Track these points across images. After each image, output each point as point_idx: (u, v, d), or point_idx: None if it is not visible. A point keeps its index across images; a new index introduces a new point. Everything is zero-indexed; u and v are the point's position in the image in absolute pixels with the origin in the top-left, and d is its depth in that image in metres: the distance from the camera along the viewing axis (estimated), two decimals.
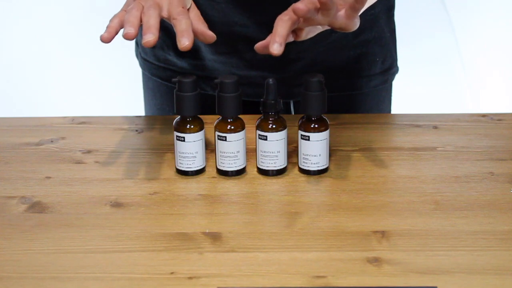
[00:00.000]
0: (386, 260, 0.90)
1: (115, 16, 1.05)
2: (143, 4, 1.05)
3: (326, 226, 0.97)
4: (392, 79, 1.41)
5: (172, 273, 0.88)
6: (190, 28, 1.03)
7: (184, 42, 1.02)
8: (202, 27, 1.08)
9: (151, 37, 1.01)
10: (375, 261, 0.90)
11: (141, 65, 1.43)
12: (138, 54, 1.43)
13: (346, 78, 1.35)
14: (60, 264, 0.90)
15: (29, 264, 0.90)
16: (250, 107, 1.24)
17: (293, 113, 1.37)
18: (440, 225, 0.97)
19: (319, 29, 1.10)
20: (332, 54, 1.32)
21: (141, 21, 1.04)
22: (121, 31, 1.03)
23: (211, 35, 1.08)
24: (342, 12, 1.04)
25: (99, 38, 1.02)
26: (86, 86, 2.54)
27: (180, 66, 1.34)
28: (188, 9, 1.08)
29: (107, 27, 1.03)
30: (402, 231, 0.96)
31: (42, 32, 2.48)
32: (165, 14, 1.06)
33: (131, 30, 1.02)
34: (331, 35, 1.30)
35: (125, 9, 1.06)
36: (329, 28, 1.30)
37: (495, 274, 0.87)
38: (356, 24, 1.06)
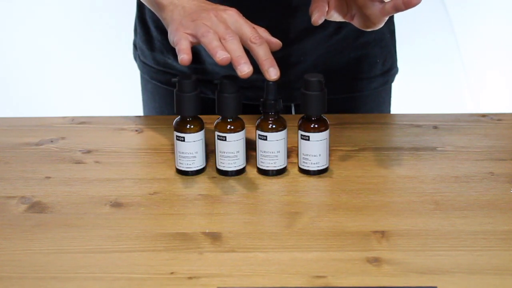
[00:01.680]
0: (386, 260, 0.90)
1: (180, 39, 1.03)
2: (208, 24, 1.03)
3: (326, 226, 0.97)
4: (392, 80, 1.41)
5: (172, 273, 0.88)
6: (270, 53, 1.03)
7: (273, 73, 1.02)
8: (267, 35, 1.07)
9: (247, 67, 1.00)
10: (375, 261, 0.90)
11: (140, 68, 1.42)
12: (137, 57, 1.43)
13: (347, 80, 1.35)
14: (60, 264, 0.90)
15: (29, 264, 0.90)
16: (251, 110, 1.23)
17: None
18: (440, 225, 0.97)
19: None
20: (333, 57, 1.32)
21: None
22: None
23: (277, 43, 1.06)
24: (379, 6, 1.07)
25: (179, 61, 1.01)
26: (86, 87, 2.54)
27: (180, 69, 1.34)
28: None
29: (180, 49, 1.02)
30: (402, 231, 0.96)
31: (42, 32, 2.48)
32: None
33: (226, 54, 1.00)
34: (332, 38, 1.30)
35: (183, 31, 1.04)
36: (330, 30, 1.30)
37: (495, 274, 0.88)
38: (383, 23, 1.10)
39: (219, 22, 1.04)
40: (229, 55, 1.01)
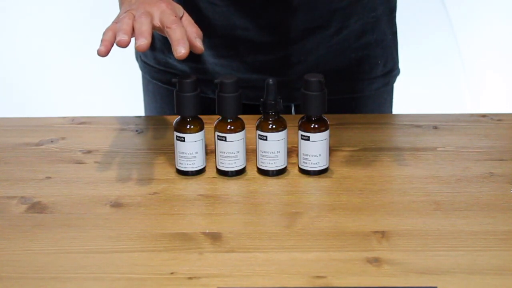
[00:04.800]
0: (386, 260, 0.90)
1: (107, 29, 1.05)
2: (134, 13, 1.06)
3: (326, 226, 0.97)
4: (394, 81, 1.41)
5: (172, 273, 0.88)
6: (185, 36, 1.04)
7: (180, 50, 1.02)
8: (192, 37, 1.08)
9: (143, 41, 1.02)
10: (375, 261, 0.90)
11: (141, 68, 1.42)
12: (138, 57, 1.43)
13: (348, 81, 1.35)
14: (60, 264, 0.90)
15: (29, 264, 0.90)
16: (251, 111, 1.23)
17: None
18: (440, 225, 0.97)
19: None
20: (334, 57, 1.32)
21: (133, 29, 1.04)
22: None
23: (198, 48, 1.07)
24: None
25: (96, 52, 1.02)
26: (86, 87, 2.54)
27: (181, 69, 1.34)
28: (181, 18, 1.08)
29: (101, 40, 1.04)
30: (402, 231, 0.96)
31: (42, 32, 2.47)
32: (156, 23, 1.06)
33: (124, 37, 1.02)
34: (333, 38, 1.30)
35: (116, 21, 1.07)
36: (331, 30, 1.30)
37: (495, 274, 0.88)
38: None
39: (143, 10, 1.06)
40: (127, 38, 1.02)
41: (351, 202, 1.03)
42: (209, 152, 1.13)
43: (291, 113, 1.37)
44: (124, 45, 1.02)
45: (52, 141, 1.21)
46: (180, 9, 1.09)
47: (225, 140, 1.07)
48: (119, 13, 1.10)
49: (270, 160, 1.08)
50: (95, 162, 1.15)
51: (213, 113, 1.09)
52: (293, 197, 1.05)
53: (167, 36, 1.05)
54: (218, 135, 1.08)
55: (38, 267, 0.90)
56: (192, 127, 1.08)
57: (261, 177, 1.09)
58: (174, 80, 1.07)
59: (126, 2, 1.10)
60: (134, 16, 1.05)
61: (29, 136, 1.23)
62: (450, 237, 0.95)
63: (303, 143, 1.08)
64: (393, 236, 0.95)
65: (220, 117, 1.08)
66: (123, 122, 1.27)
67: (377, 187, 1.07)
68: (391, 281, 0.87)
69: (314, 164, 1.09)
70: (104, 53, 1.03)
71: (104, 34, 1.05)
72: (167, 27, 1.05)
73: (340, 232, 0.96)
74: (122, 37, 1.02)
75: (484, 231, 0.96)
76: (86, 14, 2.46)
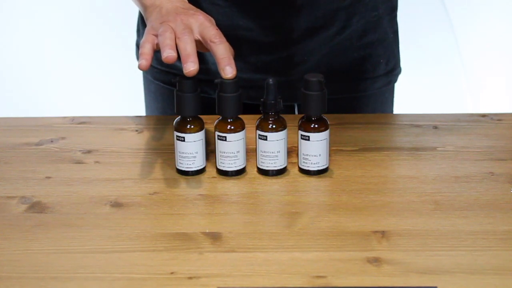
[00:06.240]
0: (386, 260, 0.90)
1: (144, 41, 1.05)
2: (172, 26, 1.06)
3: (326, 226, 0.97)
4: (395, 80, 1.41)
5: (172, 273, 0.88)
6: (229, 52, 1.04)
7: (230, 71, 1.03)
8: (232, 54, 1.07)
9: (193, 66, 1.02)
10: (375, 261, 0.90)
11: None
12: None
13: (351, 80, 1.35)
14: (60, 264, 0.90)
15: (29, 264, 0.90)
16: (253, 110, 1.23)
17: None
18: (440, 225, 0.97)
19: None
20: (336, 57, 1.32)
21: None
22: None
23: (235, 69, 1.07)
24: None
25: (137, 67, 1.03)
26: (86, 86, 2.54)
27: (182, 69, 1.34)
28: None
29: (141, 54, 1.04)
30: (402, 231, 0.96)
31: (42, 32, 2.48)
32: (196, 36, 1.06)
33: (172, 53, 1.03)
34: (336, 38, 1.30)
35: (152, 33, 1.07)
36: (333, 30, 1.30)
37: (495, 274, 0.87)
38: None
39: (181, 23, 1.06)
40: (175, 54, 1.03)
41: (351, 202, 1.03)
42: (209, 152, 1.13)
43: (294, 113, 1.37)
44: (172, 61, 1.03)
45: (52, 141, 1.21)
46: (213, 20, 1.10)
47: (225, 140, 1.07)
48: (152, 23, 1.09)
49: (270, 160, 1.08)
50: (95, 162, 1.15)
51: (216, 113, 1.09)
52: (293, 197, 1.05)
53: (210, 51, 1.05)
54: (218, 135, 1.08)
55: (38, 267, 0.90)
56: (192, 127, 1.08)
57: (261, 177, 1.09)
58: (174, 80, 1.07)
59: (155, 12, 1.10)
60: (174, 30, 1.05)
61: (29, 136, 1.23)
62: (450, 237, 0.95)
63: (303, 143, 1.08)
64: (393, 236, 0.95)
65: (220, 117, 1.08)
66: (123, 122, 1.27)
67: (377, 187, 1.07)
68: (391, 281, 0.87)
69: (314, 164, 1.09)
70: (146, 67, 1.03)
71: (142, 47, 1.05)
72: (211, 42, 1.05)
73: (340, 232, 0.96)
74: (170, 53, 1.02)
75: (484, 231, 0.96)
76: (86, 14, 2.46)
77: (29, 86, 2.54)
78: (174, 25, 1.06)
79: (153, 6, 1.11)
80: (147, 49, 1.04)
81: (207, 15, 1.09)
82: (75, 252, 0.92)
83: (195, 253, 0.92)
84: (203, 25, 1.07)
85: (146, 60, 1.03)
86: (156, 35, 1.06)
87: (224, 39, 1.05)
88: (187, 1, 1.14)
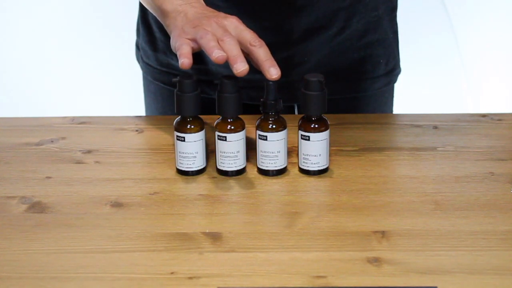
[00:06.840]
0: (386, 260, 0.90)
1: (181, 44, 1.05)
2: (209, 30, 1.06)
3: (326, 226, 0.97)
4: (395, 80, 1.41)
5: (172, 273, 0.88)
6: (270, 54, 1.05)
7: (275, 73, 1.04)
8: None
9: (243, 66, 1.02)
10: (375, 261, 0.90)
11: (142, 69, 1.42)
12: (140, 58, 1.43)
13: (351, 80, 1.35)
14: (60, 264, 0.90)
15: (29, 264, 0.90)
16: (252, 110, 1.23)
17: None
18: (440, 225, 0.97)
19: None
20: (336, 57, 1.32)
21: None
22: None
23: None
24: None
25: (180, 65, 1.03)
26: (86, 86, 2.54)
27: (183, 70, 1.34)
28: None
29: (180, 54, 1.04)
30: (402, 231, 0.96)
31: (42, 32, 2.47)
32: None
33: (222, 53, 1.02)
34: (336, 38, 1.30)
35: (185, 37, 1.06)
36: (334, 30, 1.30)
37: (495, 274, 0.87)
38: None
39: (219, 27, 1.06)
40: (225, 54, 1.03)
41: (351, 202, 1.03)
42: (209, 152, 1.13)
43: (294, 113, 1.37)
44: (223, 61, 1.03)
45: (52, 141, 1.21)
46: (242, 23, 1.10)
47: (225, 140, 1.07)
48: (182, 28, 1.08)
49: (270, 160, 1.08)
50: (95, 162, 1.15)
51: (216, 114, 1.09)
52: (293, 197, 1.05)
53: (250, 54, 1.05)
54: (218, 135, 1.08)
55: (38, 267, 0.90)
56: (192, 127, 1.08)
57: (261, 177, 1.09)
58: (174, 80, 1.07)
59: (179, 17, 1.10)
60: (213, 33, 1.05)
61: (29, 136, 1.23)
62: (450, 237, 0.95)
63: (303, 143, 1.08)
64: (393, 236, 0.95)
65: (221, 117, 1.08)
66: (123, 122, 1.27)
67: (377, 187, 1.07)
68: (391, 281, 0.87)
69: (314, 164, 1.09)
70: (189, 65, 1.03)
71: (180, 48, 1.05)
72: (250, 45, 1.05)
73: (340, 232, 0.96)
74: (220, 53, 1.02)
75: (484, 231, 0.96)
76: (86, 14, 2.46)
77: (29, 86, 2.54)
78: (211, 28, 1.06)
79: (175, 12, 1.10)
80: (186, 50, 1.05)
81: (237, 17, 1.09)
82: (75, 252, 0.92)
83: (195, 253, 0.92)
84: (238, 28, 1.07)
85: (189, 58, 1.04)
86: (191, 39, 1.06)
87: (262, 42, 1.06)
88: (205, 5, 1.13)
